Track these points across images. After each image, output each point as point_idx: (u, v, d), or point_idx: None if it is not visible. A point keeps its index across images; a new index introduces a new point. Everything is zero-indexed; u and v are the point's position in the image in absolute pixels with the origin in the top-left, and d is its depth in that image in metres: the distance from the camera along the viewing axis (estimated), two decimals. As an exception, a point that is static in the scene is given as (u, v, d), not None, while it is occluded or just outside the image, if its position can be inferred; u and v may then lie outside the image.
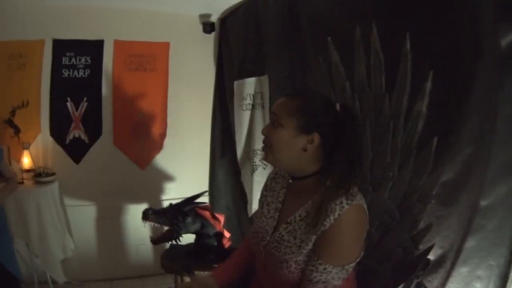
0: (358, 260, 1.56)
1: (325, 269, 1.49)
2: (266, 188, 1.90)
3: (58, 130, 4.17)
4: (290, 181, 1.74)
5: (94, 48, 4.19)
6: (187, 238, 3.22)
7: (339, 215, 1.47)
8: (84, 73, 4.17)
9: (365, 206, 1.56)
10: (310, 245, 1.54)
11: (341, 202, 1.48)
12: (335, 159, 1.58)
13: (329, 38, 2.42)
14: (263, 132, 1.67)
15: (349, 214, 1.48)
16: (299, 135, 1.58)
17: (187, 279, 3.09)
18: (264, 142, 1.67)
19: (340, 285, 1.55)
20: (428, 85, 1.80)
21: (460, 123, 1.68)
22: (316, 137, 1.57)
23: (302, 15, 2.84)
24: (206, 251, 3.11)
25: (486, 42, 1.54)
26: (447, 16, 1.71)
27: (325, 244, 1.51)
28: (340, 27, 2.38)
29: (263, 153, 1.70)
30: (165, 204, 3.89)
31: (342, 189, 1.51)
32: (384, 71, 2.06)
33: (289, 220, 1.64)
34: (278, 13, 3.17)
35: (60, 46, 4.08)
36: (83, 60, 4.15)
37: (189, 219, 3.10)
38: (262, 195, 1.90)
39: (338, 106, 1.63)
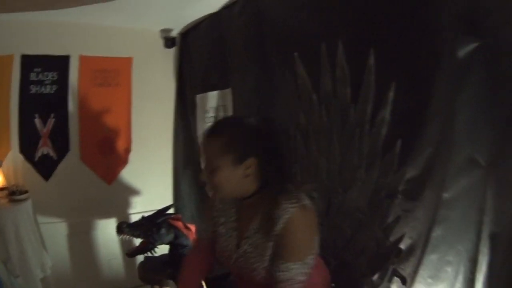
0: (315, 252, 1.67)
1: (286, 267, 1.58)
2: (215, 210, 1.93)
3: (28, 147, 4.12)
4: (240, 202, 1.81)
5: (61, 63, 4.17)
6: (161, 249, 3.32)
7: (287, 218, 1.58)
8: (51, 89, 4.15)
9: (309, 203, 1.66)
10: (270, 251, 1.64)
11: (287, 207, 1.59)
12: (269, 171, 1.66)
13: (296, 53, 2.63)
14: (202, 178, 1.73)
15: (297, 215, 1.59)
16: (236, 167, 1.63)
17: (167, 288, 3.20)
18: (208, 183, 1.72)
19: (307, 281, 1.65)
20: (391, 94, 2.03)
21: (422, 126, 1.92)
22: (251, 161, 1.63)
23: (268, 31, 3.01)
24: (181, 260, 3.21)
25: (445, 54, 1.79)
26: (409, 32, 1.94)
27: (282, 245, 1.61)
28: (306, 43, 2.58)
29: (210, 192, 1.85)
30: (134, 218, 3.99)
31: (284, 195, 1.63)
32: (349, 83, 2.28)
33: (246, 235, 1.73)
34: (243, 28, 3.32)
35: (28, 62, 4.04)
36: (50, 76, 4.12)
37: (163, 230, 3.20)
38: (212, 217, 1.94)
39: (255, 121, 1.71)
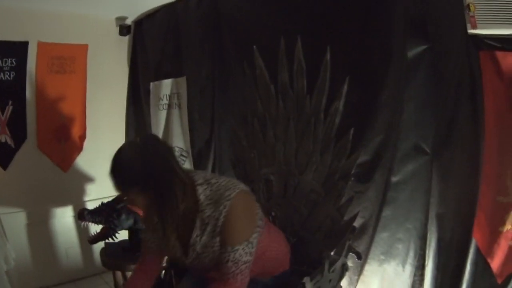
0: (258, 229, 1.77)
1: (233, 249, 1.68)
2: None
3: (-15, 135, 4.00)
4: None
5: (19, 50, 4.05)
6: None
7: (226, 212, 1.68)
8: (9, 75, 4.03)
9: (243, 187, 1.76)
10: (219, 244, 1.73)
11: (223, 204, 1.68)
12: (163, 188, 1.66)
13: (254, 46, 2.75)
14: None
15: (233, 206, 1.69)
16: (145, 194, 1.65)
17: (129, 274, 3.24)
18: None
19: (251, 261, 1.74)
20: (345, 88, 2.23)
21: (373, 116, 2.13)
22: (152, 183, 1.63)
23: (226, 24, 3.11)
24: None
25: (395, 54, 2.00)
26: (363, 32, 2.14)
27: (225, 234, 1.70)
28: (265, 37, 2.71)
29: None
30: (89, 205, 3.95)
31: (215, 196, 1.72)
32: (305, 76, 2.45)
33: (191, 243, 1.78)
34: (200, 18, 3.39)
35: None
36: (9, 62, 4.00)
37: (123, 216, 3.17)
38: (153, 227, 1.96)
39: (139, 141, 1.72)
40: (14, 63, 4.04)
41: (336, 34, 2.28)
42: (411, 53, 1.95)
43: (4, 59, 3.99)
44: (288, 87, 2.57)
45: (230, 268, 1.68)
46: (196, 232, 1.75)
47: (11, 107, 4.07)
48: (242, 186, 1.76)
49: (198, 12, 3.43)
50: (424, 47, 1.95)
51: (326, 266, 2.02)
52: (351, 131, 2.24)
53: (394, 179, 2.05)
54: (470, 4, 1.95)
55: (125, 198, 1.77)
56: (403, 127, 2.01)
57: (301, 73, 2.47)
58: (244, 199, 1.76)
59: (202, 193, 1.73)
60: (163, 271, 2.45)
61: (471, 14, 1.96)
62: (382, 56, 2.06)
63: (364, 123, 2.17)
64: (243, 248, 1.69)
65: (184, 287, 2.17)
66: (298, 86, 2.50)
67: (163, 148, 1.73)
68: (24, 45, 4.07)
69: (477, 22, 1.96)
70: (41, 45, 4.15)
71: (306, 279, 1.88)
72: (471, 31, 1.97)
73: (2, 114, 4.04)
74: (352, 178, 2.25)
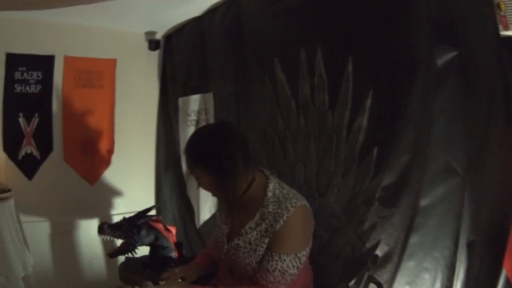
0: (308, 249, 1.77)
1: (279, 258, 1.68)
2: (217, 204, 2.13)
3: (11, 146, 3.99)
4: None
5: (45, 63, 4.04)
6: (141, 250, 3.22)
7: (287, 217, 1.68)
8: (35, 88, 4.01)
9: (307, 204, 1.78)
10: (264, 246, 1.73)
11: (287, 207, 1.70)
12: (232, 171, 1.75)
13: (276, 59, 2.55)
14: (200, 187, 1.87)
15: (295, 215, 1.69)
16: (210, 174, 1.76)
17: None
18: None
19: (297, 274, 1.74)
20: (368, 102, 1.97)
21: (398, 134, 1.86)
22: (214, 165, 1.75)
23: (248, 37, 2.94)
24: (162, 261, 3.14)
25: (422, 62, 1.73)
26: (386, 41, 1.89)
27: (277, 240, 1.70)
28: (286, 49, 2.51)
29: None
30: (115, 218, 3.88)
31: (284, 196, 1.76)
32: (327, 90, 2.22)
33: (240, 232, 1.81)
34: (224, 32, 3.25)
35: (13, 60, 3.90)
36: (34, 75, 3.99)
37: (143, 232, 3.10)
38: (217, 210, 2.12)
39: (213, 127, 1.90)
40: (40, 76, 4.02)
41: (357, 44, 2.03)
42: (439, 61, 1.67)
43: (30, 72, 3.97)
44: (309, 102, 2.34)
45: (276, 276, 1.69)
46: (251, 224, 1.79)
47: (37, 119, 4.05)
48: (306, 203, 1.79)
49: (222, 26, 3.28)
50: (453, 53, 1.66)
51: (341, 300, 1.77)
52: (375, 150, 1.97)
53: (422, 203, 1.78)
54: (500, 2, 1.66)
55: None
56: (432, 145, 1.73)
57: (322, 86, 2.24)
58: (306, 214, 1.78)
59: (272, 190, 1.79)
60: None
61: (501, 13, 1.67)
62: (407, 66, 1.79)
63: (389, 141, 1.90)
64: (290, 260, 1.69)
65: None
66: (320, 100, 2.27)
67: (234, 135, 1.83)
68: (50, 59, 4.05)
69: (509, 22, 1.68)
70: (67, 59, 4.12)
71: None
72: (503, 32, 1.68)
73: (28, 125, 4.02)
74: (376, 203, 1.98)
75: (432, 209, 1.76)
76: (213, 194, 1.89)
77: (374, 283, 1.97)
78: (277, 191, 1.78)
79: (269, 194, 1.77)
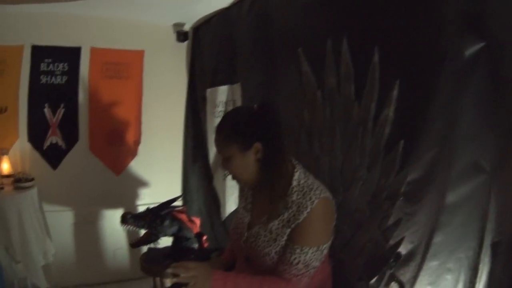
0: (329, 242, 1.76)
1: (302, 250, 1.67)
2: (240, 190, 2.11)
3: (36, 136, 4.10)
4: (258, 186, 1.89)
5: (72, 55, 4.14)
6: (164, 241, 3.27)
7: (311, 209, 1.67)
8: (61, 79, 4.12)
9: (330, 196, 1.77)
10: (285, 237, 1.72)
11: (311, 198, 1.69)
12: (272, 152, 1.76)
13: (300, 49, 2.54)
14: (223, 169, 1.87)
15: (318, 207, 1.68)
16: (244, 154, 1.75)
17: (167, 281, 3.15)
18: (230, 174, 1.87)
19: (319, 267, 1.75)
20: (395, 93, 1.93)
21: (425, 127, 1.81)
22: (258, 145, 1.75)
23: (274, 27, 2.94)
24: (184, 252, 3.16)
25: (449, 53, 1.68)
26: (413, 30, 1.84)
27: (299, 232, 1.68)
28: (311, 39, 2.49)
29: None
30: (141, 209, 3.93)
31: (307, 186, 1.74)
32: (353, 81, 2.19)
33: (262, 220, 1.81)
34: (251, 24, 3.26)
35: (39, 52, 4.02)
36: (60, 66, 4.10)
37: (166, 222, 3.14)
38: (239, 196, 2.04)
39: (256, 108, 1.82)
40: (67, 67, 4.13)
41: (383, 34, 1.99)
42: (467, 52, 1.62)
43: (56, 64, 4.09)
44: (335, 93, 2.32)
45: (300, 270, 1.69)
46: (274, 211, 1.78)
47: (63, 110, 4.16)
48: (330, 195, 1.78)
49: (250, 17, 3.30)
50: (481, 45, 1.61)
51: (360, 298, 1.74)
52: (401, 143, 1.93)
53: (448, 200, 1.72)
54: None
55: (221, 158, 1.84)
56: (458, 140, 1.68)
57: (348, 77, 2.21)
58: (329, 207, 1.77)
59: (297, 179, 1.77)
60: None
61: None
62: (434, 57, 1.74)
63: (416, 134, 1.86)
64: (312, 253, 1.69)
65: None
66: (346, 91, 2.24)
67: (278, 118, 1.87)
68: (76, 51, 4.17)
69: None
70: (94, 51, 4.22)
71: None
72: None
73: (54, 116, 4.13)
74: (401, 198, 1.94)
75: (458, 208, 1.71)
76: (244, 179, 1.85)
77: (396, 282, 1.94)
78: (302, 181, 1.76)
79: (294, 183, 1.75)
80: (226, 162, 1.80)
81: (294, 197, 1.73)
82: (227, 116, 1.88)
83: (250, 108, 1.87)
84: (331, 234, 1.78)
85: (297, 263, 1.67)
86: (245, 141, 1.74)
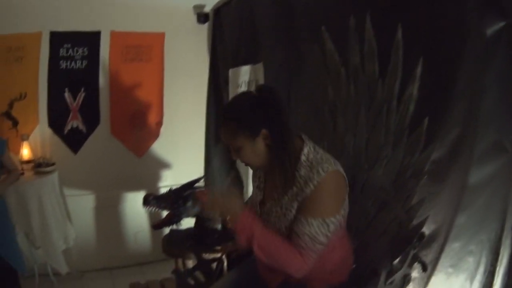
0: (338, 217, 1.78)
1: (307, 221, 1.71)
2: (252, 173, 2.18)
3: (56, 121, 4.22)
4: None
5: (91, 39, 4.22)
6: (186, 223, 3.32)
7: (317, 182, 1.71)
8: (81, 64, 4.21)
9: (341, 170, 1.81)
10: (294, 211, 1.78)
11: (318, 172, 1.73)
12: (279, 134, 1.79)
13: (323, 27, 2.54)
14: (234, 159, 1.90)
15: (326, 180, 1.72)
16: (254, 141, 1.79)
17: (190, 262, 3.21)
18: (243, 162, 1.93)
19: (326, 244, 1.76)
20: (419, 70, 1.93)
21: (449, 105, 1.81)
22: (264, 131, 1.78)
23: (296, 5, 2.94)
24: (207, 233, 3.22)
25: (472, 31, 1.67)
26: (436, 7, 1.84)
27: (305, 204, 1.74)
28: (334, 17, 2.50)
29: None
30: (162, 191, 4.00)
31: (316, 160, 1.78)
32: (377, 58, 2.19)
33: (274, 197, 1.88)
34: (272, 2, 3.27)
35: (58, 38, 4.11)
36: (80, 51, 4.18)
37: (189, 203, 3.13)
38: (252, 176, 2.18)
39: (255, 93, 1.86)
40: (86, 52, 4.23)
41: (406, 10, 1.99)
42: (488, 31, 1.61)
43: (75, 49, 4.20)
44: (359, 70, 2.32)
45: (306, 242, 1.72)
46: (283, 188, 1.82)
47: (83, 94, 4.27)
48: (341, 169, 1.82)
49: (271, -5, 3.27)
50: (502, 23, 1.59)
51: (382, 279, 1.77)
52: (426, 121, 1.93)
53: (471, 180, 1.71)
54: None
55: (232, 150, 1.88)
56: (481, 120, 1.67)
57: (372, 54, 2.20)
58: (338, 180, 1.80)
59: (306, 154, 1.81)
60: (215, 262, 2.44)
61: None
62: (457, 34, 1.74)
63: (440, 112, 1.86)
64: (317, 225, 1.71)
65: (231, 277, 2.19)
66: (370, 69, 2.24)
67: (279, 99, 1.87)
68: (96, 35, 4.25)
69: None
70: (114, 34, 4.30)
71: None
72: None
73: (74, 100, 4.24)
74: (425, 176, 1.95)
75: (480, 189, 1.71)
76: (257, 165, 1.91)
77: (419, 262, 1.95)
78: (311, 155, 1.80)
79: (303, 158, 1.79)
80: (237, 152, 1.85)
81: (302, 172, 1.77)
82: (228, 109, 1.92)
83: (249, 94, 1.92)
84: (340, 208, 1.81)
85: (303, 235, 1.71)
86: (252, 129, 1.78)
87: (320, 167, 1.73)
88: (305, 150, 1.81)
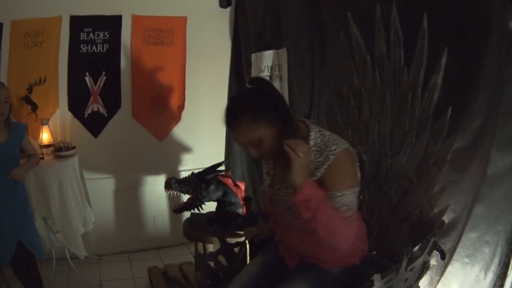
0: (357, 189, 1.88)
1: (341, 192, 1.80)
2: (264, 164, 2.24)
3: (77, 105, 4.33)
4: None
5: (112, 23, 4.32)
6: (207, 207, 3.45)
7: (332, 160, 1.80)
8: (102, 48, 4.32)
9: (349, 146, 1.89)
10: None
11: (327, 155, 1.81)
12: (284, 117, 1.88)
13: (349, 14, 2.64)
14: (253, 155, 1.95)
15: (341, 155, 1.82)
16: (272, 127, 1.87)
17: (210, 246, 3.35)
18: (260, 158, 2.03)
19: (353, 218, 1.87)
20: (443, 60, 2.05)
21: (473, 95, 1.94)
22: (277, 116, 1.87)
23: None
24: (229, 217, 3.33)
25: (495, 24, 1.79)
26: (460, -1, 1.95)
27: (330, 180, 1.81)
28: (360, 4, 2.60)
29: (266, 162, 2.15)
30: (183, 174, 4.11)
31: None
32: (403, 47, 2.30)
33: (284, 181, 1.93)
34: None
35: (78, 22, 4.23)
36: (101, 35, 4.29)
37: (212, 187, 3.29)
38: (262, 163, 2.27)
39: (251, 87, 1.97)
40: (107, 35, 4.33)
41: (432, 0, 2.11)
42: (511, 24, 1.72)
43: (96, 33, 4.30)
44: (385, 58, 2.43)
45: (346, 212, 1.81)
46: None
47: (104, 78, 4.37)
48: (349, 146, 1.89)
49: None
50: None
51: (404, 264, 1.87)
52: (449, 110, 2.06)
53: (490, 171, 1.84)
54: None
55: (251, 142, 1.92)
56: (502, 111, 1.79)
57: (398, 43, 2.31)
58: (349, 156, 1.87)
59: (313, 139, 1.89)
60: (239, 247, 2.52)
61: None
62: (481, 26, 1.86)
63: (464, 102, 1.99)
64: (350, 194, 1.82)
65: (256, 261, 2.23)
66: (395, 57, 2.35)
67: (272, 86, 1.97)
68: (117, 19, 4.35)
69: None
70: (135, 18, 4.40)
71: (376, 277, 1.75)
72: None
73: (95, 84, 4.33)
74: (447, 165, 2.08)
75: (499, 180, 1.83)
76: (275, 153, 1.93)
77: (438, 250, 2.07)
78: (318, 140, 1.89)
79: (311, 143, 1.88)
80: (257, 147, 1.90)
81: (312, 157, 1.84)
82: (234, 108, 1.92)
83: (244, 90, 2.05)
84: (357, 181, 1.90)
85: (341, 206, 1.80)
86: (266, 116, 1.84)
87: (329, 150, 1.83)
88: (312, 135, 1.90)
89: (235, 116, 1.88)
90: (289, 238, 2.04)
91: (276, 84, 3.91)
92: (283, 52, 3.77)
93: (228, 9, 4.75)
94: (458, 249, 1.98)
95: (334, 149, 1.82)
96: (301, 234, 1.92)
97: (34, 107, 4.20)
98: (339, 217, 1.79)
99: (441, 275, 2.07)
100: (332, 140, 1.87)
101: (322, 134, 1.91)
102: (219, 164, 3.44)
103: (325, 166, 1.80)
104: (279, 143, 1.83)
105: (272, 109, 1.86)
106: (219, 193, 3.34)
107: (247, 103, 1.90)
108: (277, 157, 2.02)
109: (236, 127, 1.89)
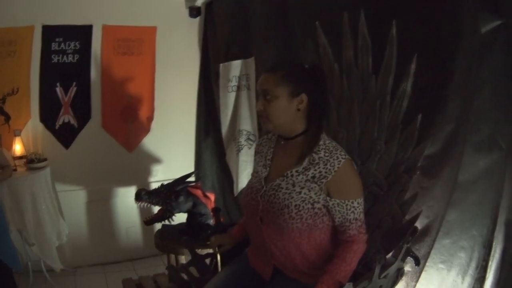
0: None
1: (352, 203, 1.81)
2: (255, 154, 2.19)
3: (48, 116, 4.21)
4: (283, 142, 2.01)
5: (83, 33, 4.22)
6: (178, 218, 3.35)
7: (338, 167, 1.80)
8: (73, 58, 4.21)
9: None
10: (312, 193, 1.82)
11: (338, 157, 1.82)
12: (316, 110, 1.91)
13: (317, 22, 2.56)
14: (258, 108, 1.92)
15: (346, 164, 1.83)
16: (291, 99, 1.86)
17: (182, 258, 3.23)
18: (261, 115, 1.94)
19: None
20: (413, 67, 1.98)
21: (443, 102, 1.86)
22: (304, 97, 1.86)
23: (290, 0, 2.97)
24: (199, 228, 3.23)
25: (466, 29, 1.72)
26: (431, 5, 1.88)
27: (339, 189, 1.82)
28: (328, 12, 2.52)
29: (263, 123, 2.01)
30: (154, 186, 4.03)
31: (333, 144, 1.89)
32: (371, 54, 2.22)
33: (285, 173, 1.89)
34: (266, -2, 3.27)
35: (50, 32, 4.11)
36: (72, 45, 4.18)
37: (181, 198, 3.20)
38: (254, 161, 2.19)
39: (307, 66, 1.97)
40: (78, 46, 4.23)
41: (400, 6, 2.03)
42: (483, 29, 1.65)
43: (67, 43, 4.19)
44: (353, 66, 2.36)
45: (357, 221, 1.85)
46: (298, 167, 1.87)
47: (75, 88, 4.27)
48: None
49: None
50: (497, 23, 1.63)
51: (377, 271, 1.81)
52: (419, 117, 1.99)
53: (463, 176, 1.77)
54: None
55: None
56: (475, 116, 1.72)
57: (366, 50, 2.24)
58: (354, 166, 1.90)
59: (324, 138, 1.90)
60: (209, 258, 2.43)
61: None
62: (452, 32, 1.78)
63: (433, 108, 1.91)
64: (360, 204, 1.84)
65: (226, 271, 2.17)
66: (363, 64, 2.28)
67: (326, 78, 2.00)
68: (88, 29, 4.25)
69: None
70: (106, 28, 4.31)
71: (348, 285, 1.70)
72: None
73: (66, 95, 4.23)
74: (418, 172, 2.01)
75: (472, 184, 1.76)
76: (277, 122, 1.90)
77: (412, 257, 2.00)
78: (327, 141, 1.89)
79: (321, 141, 1.88)
80: (267, 102, 1.87)
81: (322, 154, 1.84)
82: (281, 62, 2.14)
83: (301, 63, 2.06)
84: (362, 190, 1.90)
85: (355, 219, 1.82)
86: (295, 87, 1.85)
87: (339, 153, 1.84)
88: (323, 135, 1.92)
89: (276, 66, 1.93)
90: (273, 242, 1.92)
91: (244, 93, 3.87)
92: (251, 61, 3.71)
93: (198, 18, 4.68)
94: (432, 255, 1.91)
95: (344, 154, 1.86)
96: (296, 239, 1.86)
97: (7, 118, 4.08)
98: (354, 263, 1.85)
99: (416, 281, 2.00)
100: (339, 148, 1.90)
101: (329, 139, 1.94)
102: (189, 175, 3.35)
103: (332, 172, 1.81)
104: (287, 120, 1.88)
105: (305, 89, 1.86)
106: (189, 204, 3.25)
107: (294, 65, 1.98)
108: (277, 145, 2.04)
109: (268, 73, 1.90)
